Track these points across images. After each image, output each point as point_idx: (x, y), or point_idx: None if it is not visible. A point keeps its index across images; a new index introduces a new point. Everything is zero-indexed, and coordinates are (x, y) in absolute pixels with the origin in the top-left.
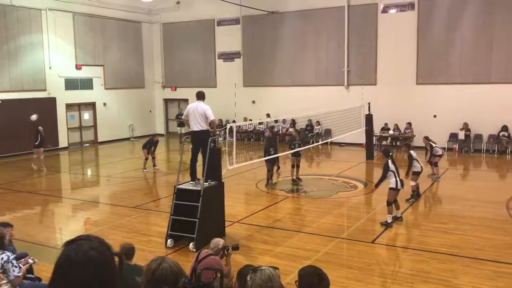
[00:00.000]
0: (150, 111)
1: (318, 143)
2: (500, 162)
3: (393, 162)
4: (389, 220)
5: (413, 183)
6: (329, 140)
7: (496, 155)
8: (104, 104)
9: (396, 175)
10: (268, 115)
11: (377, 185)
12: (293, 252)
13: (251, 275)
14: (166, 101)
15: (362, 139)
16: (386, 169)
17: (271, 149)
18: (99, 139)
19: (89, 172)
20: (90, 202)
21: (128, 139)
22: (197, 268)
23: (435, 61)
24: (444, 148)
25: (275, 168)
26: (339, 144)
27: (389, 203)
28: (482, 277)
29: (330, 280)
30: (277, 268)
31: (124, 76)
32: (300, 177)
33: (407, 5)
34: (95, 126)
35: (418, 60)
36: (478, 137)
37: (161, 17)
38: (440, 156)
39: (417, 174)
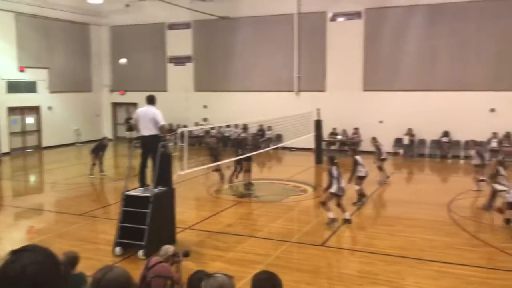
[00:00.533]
0: (98, 116)
1: (269, 148)
2: (442, 166)
3: (337, 169)
4: (331, 216)
5: (357, 187)
6: (280, 145)
7: (438, 159)
8: (49, 108)
9: (338, 181)
10: (205, 119)
11: (325, 190)
12: (244, 257)
13: (205, 281)
14: (114, 105)
15: (312, 144)
16: (330, 175)
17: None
18: (44, 144)
19: (32, 178)
20: (34, 209)
21: (73, 144)
22: (146, 276)
23: (381, 68)
24: (389, 153)
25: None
26: (290, 149)
27: (323, 203)
28: (427, 277)
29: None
30: (232, 277)
31: (71, 79)
32: (252, 181)
33: (354, 14)
34: (39, 131)
35: (365, 67)
36: (422, 142)
37: (110, 19)
38: (383, 160)
39: (361, 178)
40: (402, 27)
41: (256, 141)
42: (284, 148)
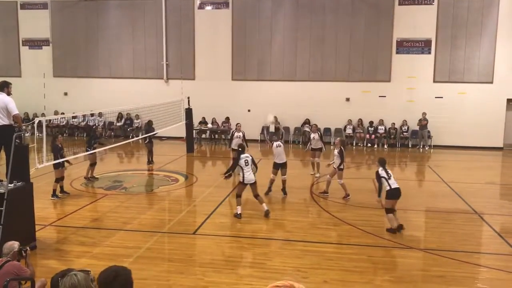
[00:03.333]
0: None
1: (138, 137)
2: (304, 152)
3: (244, 159)
4: (238, 211)
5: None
6: (149, 134)
7: (300, 145)
8: None
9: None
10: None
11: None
12: (113, 251)
13: (61, 281)
14: None
15: (183, 133)
16: (235, 163)
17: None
18: None
19: None
20: None
21: None
22: None
23: (249, 58)
24: (257, 140)
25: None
26: (160, 138)
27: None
28: (292, 256)
29: (129, 274)
30: (89, 271)
31: None
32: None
33: (222, 3)
34: None
35: (233, 57)
36: (286, 129)
37: None
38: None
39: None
40: (267, 19)
41: (124, 130)
42: (154, 137)
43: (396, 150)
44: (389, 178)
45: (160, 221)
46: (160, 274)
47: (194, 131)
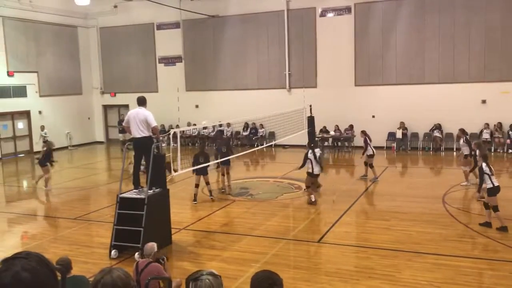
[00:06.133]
0: (89, 118)
1: (262, 146)
2: (435, 159)
3: (313, 153)
4: (312, 199)
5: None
6: (273, 142)
7: (431, 152)
8: (40, 112)
9: (313, 163)
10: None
11: (300, 167)
12: (241, 256)
13: (191, 285)
14: (105, 108)
15: (305, 141)
16: (305, 158)
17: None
18: (35, 149)
19: (25, 183)
20: (27, 215)
21: (66, 148)
22: (141, 280)
23: (372, 63)
24: (383, 147)
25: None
26: (283, 146)
27: (307, 187)
28: (423, 270)
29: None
30: (219, 276)
31: (60, 83)
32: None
33: (343, 9)
34: (30, 136)
35: (356, 62)
36: (415, 135)
37: (98, 21)
38: (371, 156)
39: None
40: (391, 21)
41: (249, 139)
42: (277, 145)
43: None
44: (492, 174)
45: (285, 228)
46: (287, 281)
47: (316, 138)
